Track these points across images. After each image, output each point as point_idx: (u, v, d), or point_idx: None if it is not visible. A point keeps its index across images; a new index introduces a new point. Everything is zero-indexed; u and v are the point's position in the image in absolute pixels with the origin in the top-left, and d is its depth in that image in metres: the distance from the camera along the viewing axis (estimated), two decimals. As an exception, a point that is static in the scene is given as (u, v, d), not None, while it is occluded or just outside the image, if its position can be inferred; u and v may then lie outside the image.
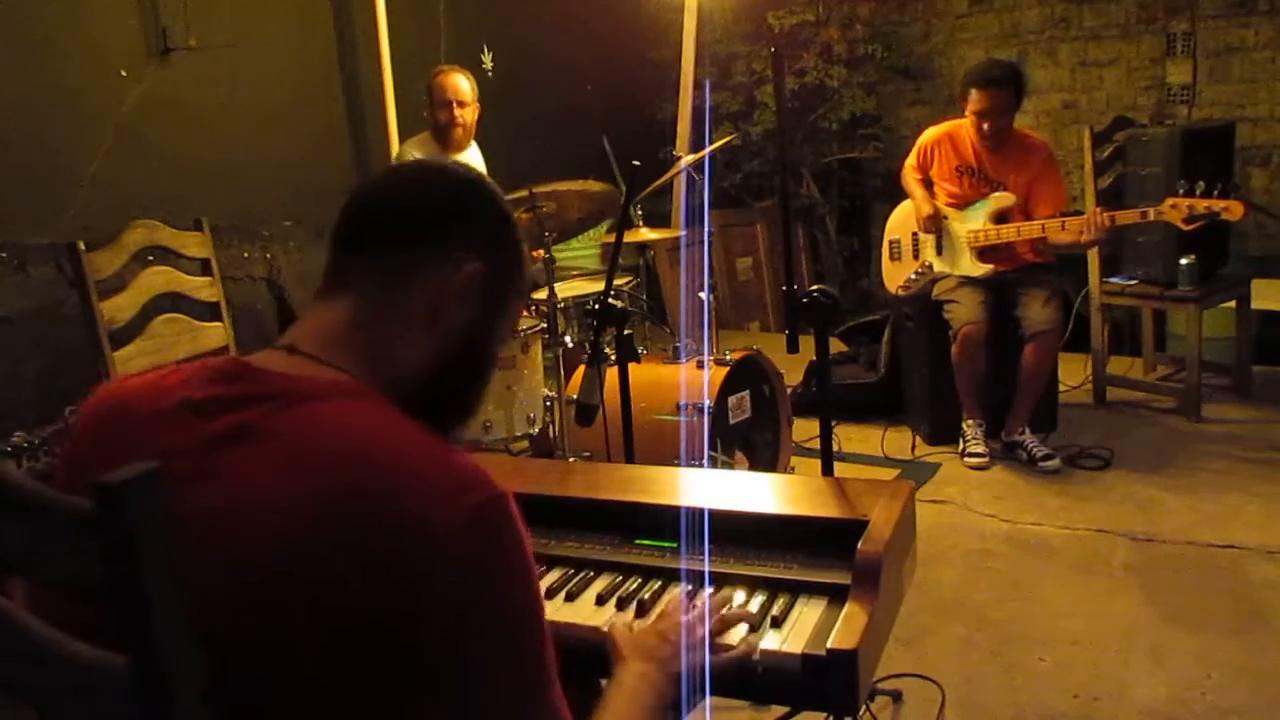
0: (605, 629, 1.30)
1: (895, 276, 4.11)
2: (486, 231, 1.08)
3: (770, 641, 1.28)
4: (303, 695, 0.88)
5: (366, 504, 0.88)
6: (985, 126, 3.70)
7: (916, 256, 4.02)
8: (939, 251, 3.92)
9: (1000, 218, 3.79)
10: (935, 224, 3.89)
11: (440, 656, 0.88)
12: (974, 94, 3.67)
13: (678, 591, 1.39)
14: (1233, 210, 3.43)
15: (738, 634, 1.30)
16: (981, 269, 3.80)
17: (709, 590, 1.39)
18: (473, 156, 4.10)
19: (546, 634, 0.95)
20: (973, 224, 3.82)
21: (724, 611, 1.31)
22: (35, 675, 0.77)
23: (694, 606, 1.31)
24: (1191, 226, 3.52)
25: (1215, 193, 3.46)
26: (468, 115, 3.93)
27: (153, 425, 0.96)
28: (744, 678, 1.25)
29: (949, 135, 3.88)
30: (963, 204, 3.87)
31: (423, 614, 0.87)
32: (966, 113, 3.76)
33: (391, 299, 1.04)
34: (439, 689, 0.89)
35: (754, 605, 1.35)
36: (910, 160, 4.02)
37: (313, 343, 1.02)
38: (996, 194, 3.79)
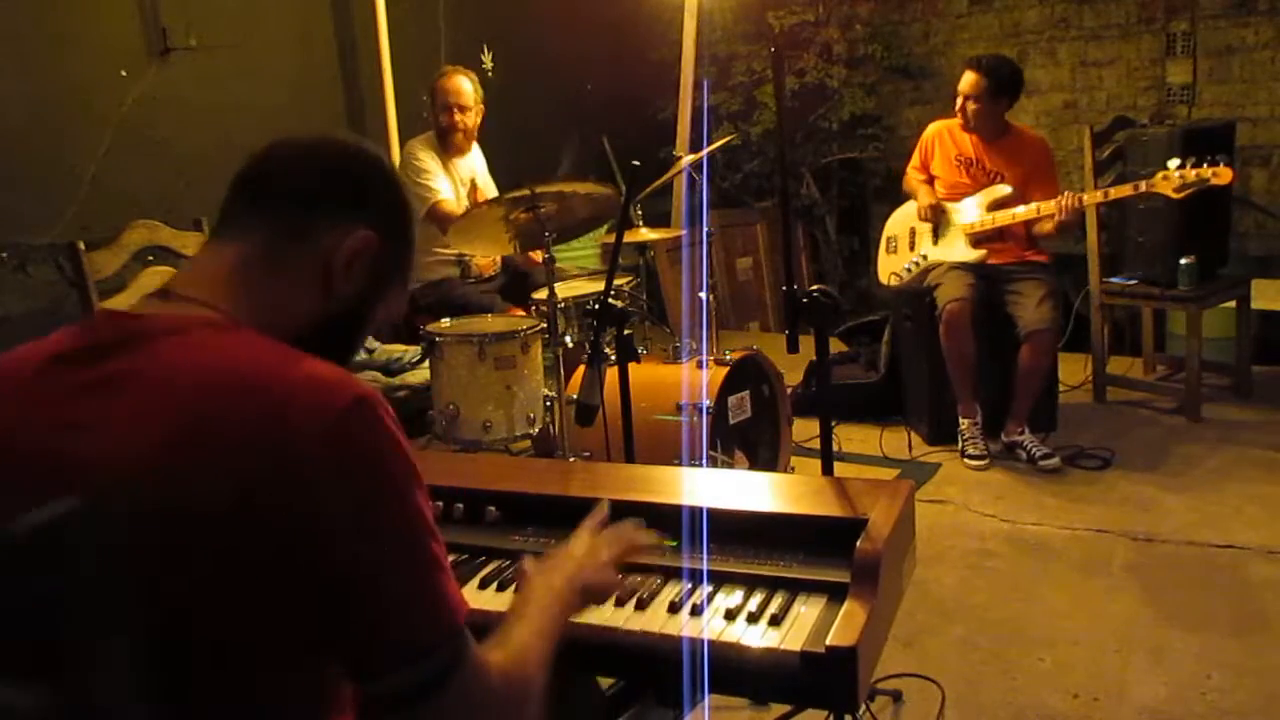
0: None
1: (888, 267, 4.16)
2: (387, 211, 1.11)
3: (769, 639, 1.28)
4: (205, 630, 0.90)
5: (230, 425, 0.89)
6: (965, 107, 3.84)
7: (912, 250, 4.07)
8: (934, 241, 4.01)
9: (996, 207, 3.86)
10: (936, 213, 3.98)
11: (332, 563, 0.90)
12: (963, 75, 3.85)
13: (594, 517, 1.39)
14: (1221, 175, 3.49)
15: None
16: (974, 254, 3.88)
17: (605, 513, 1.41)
18: (475, 158, 4.09)
19: (433, 527, 0.96)
20: (969, 213, 3.91)
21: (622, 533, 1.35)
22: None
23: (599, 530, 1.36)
24: (1183, 194, 3.57)
25: (1205, 163, 3.52)
26: (469, 120, 3.91)
27: (19, 380, 0.98)
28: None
29: (947, 128, 4.01)
30: (962, 195, 3.94)
31: (305, 524, 0.89)
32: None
33: (284, 253, 1.05)
34: (335, 597, 0.91)
35: (753, 603, 1.35)
36: (914, 161, 4.11)
37: (190, 286, 1.04)
38: (993, 185, 3.87)
